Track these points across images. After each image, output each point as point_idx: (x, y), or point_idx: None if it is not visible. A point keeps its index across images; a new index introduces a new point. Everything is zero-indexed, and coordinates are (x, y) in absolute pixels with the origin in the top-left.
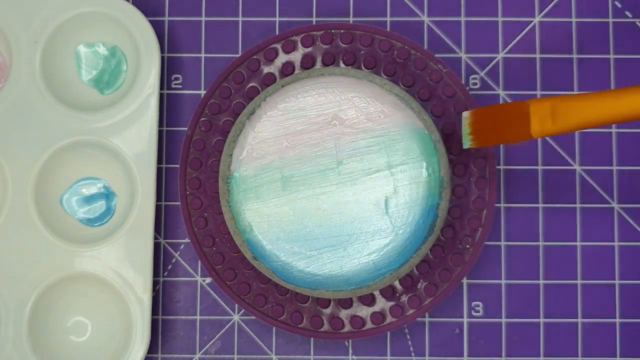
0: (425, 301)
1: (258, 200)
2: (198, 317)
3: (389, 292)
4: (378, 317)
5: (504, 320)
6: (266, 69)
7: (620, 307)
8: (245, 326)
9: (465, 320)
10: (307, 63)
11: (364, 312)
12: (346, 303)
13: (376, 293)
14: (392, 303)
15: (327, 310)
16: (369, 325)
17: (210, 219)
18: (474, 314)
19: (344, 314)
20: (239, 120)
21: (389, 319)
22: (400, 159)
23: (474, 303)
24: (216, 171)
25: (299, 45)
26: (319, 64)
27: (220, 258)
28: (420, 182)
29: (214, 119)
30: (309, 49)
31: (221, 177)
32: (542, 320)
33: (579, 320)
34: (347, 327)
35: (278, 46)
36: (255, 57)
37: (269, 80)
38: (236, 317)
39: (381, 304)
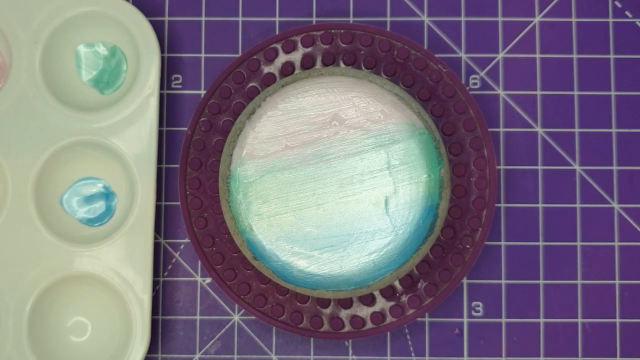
0: (425, 301)
1: (258, 200)
2: (198, 317)
3: (389, 292)
4: (378, 317)
5: (504, 320)
6: (266, 69)
7: (620, 307)
8: (245, 326)
9: (465, 320)
10: (307, 63)
11: (364, 312)
12: (346, 303)
13: (376, 293)
14: (392, 303)
15: (327, 310)
16: (369, 325)
17: (210, 219)
18: (474, 314)
19: (344, 314)
20: (239, 120)
21: (389, 319)
22: (400, 159)
23: (474, 303)
24: (216, 171)
25: (299, 45)
26: (319, 64)
27: (220, 258)
28: (420, 182)
29: (214, 119)
30: (309, 49)
31: (221, 177)
32: (542, 320)
33: (579, 320)
34: (347, 327)
35: (278, 46)
36: (255, 57)
37: (269, 80)
38: (236, 317)
39: (381, 304)
